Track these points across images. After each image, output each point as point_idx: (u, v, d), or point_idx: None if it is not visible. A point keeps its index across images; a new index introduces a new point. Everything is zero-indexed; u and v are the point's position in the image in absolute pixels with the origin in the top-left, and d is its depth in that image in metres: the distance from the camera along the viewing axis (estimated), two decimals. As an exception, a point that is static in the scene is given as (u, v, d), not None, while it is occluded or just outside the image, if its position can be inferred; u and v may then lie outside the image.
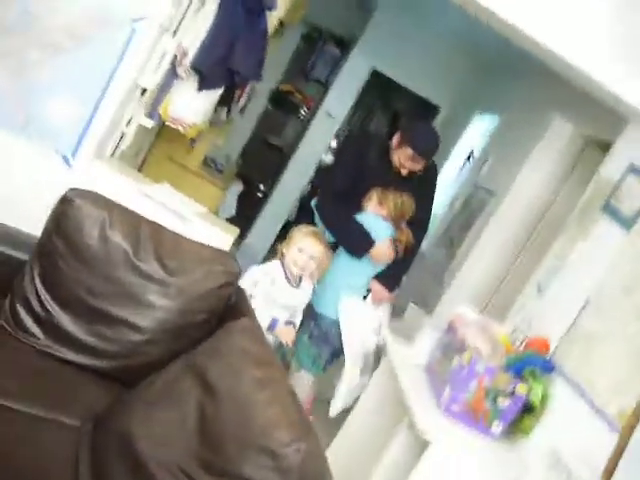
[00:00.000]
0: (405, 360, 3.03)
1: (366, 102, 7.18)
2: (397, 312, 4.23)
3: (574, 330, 2.66)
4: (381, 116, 7.72)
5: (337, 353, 3.49)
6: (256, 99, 6.28)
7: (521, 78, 5.14)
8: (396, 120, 7.60)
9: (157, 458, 1.64)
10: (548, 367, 2.66)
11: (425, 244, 3.91)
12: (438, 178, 3.77)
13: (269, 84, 6.65)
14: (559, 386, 2.60)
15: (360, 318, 3.43)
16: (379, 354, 3.45)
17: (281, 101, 7.10)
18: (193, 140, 4.38)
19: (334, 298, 3.41)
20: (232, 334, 1.99)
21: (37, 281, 2.16)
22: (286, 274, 3.10)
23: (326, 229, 3.44)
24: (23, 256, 2.25)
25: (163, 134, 4.38)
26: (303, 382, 3.53)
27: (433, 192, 3.73)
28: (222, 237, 3.04)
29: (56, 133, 2.90)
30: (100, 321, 2.16)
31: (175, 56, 3.11)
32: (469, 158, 5.50)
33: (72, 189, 2.22)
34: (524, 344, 2.80)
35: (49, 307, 2.15)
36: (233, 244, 3.13)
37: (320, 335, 3.46)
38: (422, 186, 3.56)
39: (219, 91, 3.56)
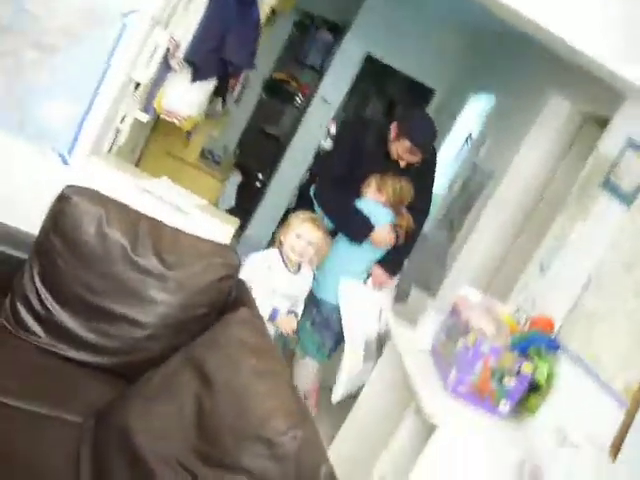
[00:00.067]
0: (410, 344, 3.04)
1: (361, 88, 7.14)
2: (400, 296, 4.23)
3: (577, 308, 2.66)
4: (376, 101, 7.68)
5: (340, 339, 3.50)
6: (251, 89, 6.26)
7: (517, 57, 5.11)
8: (392, 105, 7.57)
9: (156, 452, 1.64)
10: (553, 345, 2.66)
11: (426, 227, 3.90)
12: (437, 162, 3.76)
13: (263, 73, 6.62)
14: (564, 364, 2.61)
15: (360, 301, 3.43)
16: (382, 341, 3.45)
17: (276, 89, 7.07)
18: (189, 133, 4.37)
19: (334, 284, 3.42)
20: (230, 325, 1.99)
21: (36, 279, 2.17)
22: (284, 260, 3.09)
23: (325, 216, 3.44)
24: (23, 255, 2.25)
25: (159, 128, 4.37)
26: (308, 369, 3.54)
27: (432, 176, 3.73)
28: (223, 229, 3.03)
29: (52, 131, 2.90)
30: (100, 318, 2.16)
31: (167, 49, 3.09)
32: (467, 140, 5.48)
33: (69, 186, 2.22)
34: (528, 323, 2.81)
35: (49, 305, 2.16)
36: (234, 235, 3.12)
37: (322, 321, 3.47)
38: (421, 171, 3.56)
39: (213, 82, 3.55)
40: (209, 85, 3.54)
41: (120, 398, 1.92)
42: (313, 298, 3.44)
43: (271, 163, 7.07)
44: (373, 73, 6.95)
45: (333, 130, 7.21)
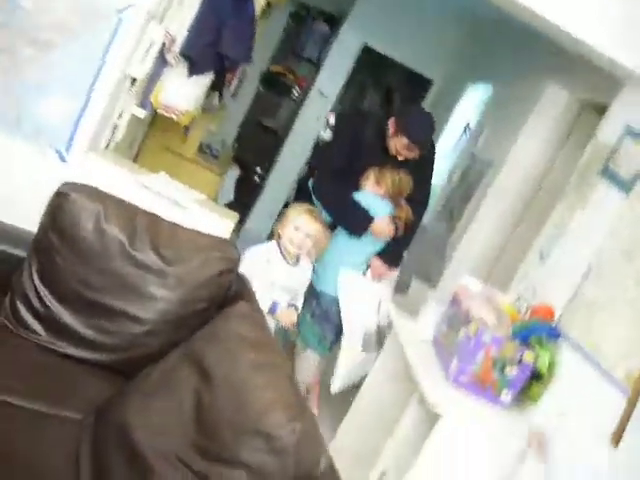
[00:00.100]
0: (411, 335, 3.04)
1: (358, 79, 7.13)
2: (401, 287, 4.24)
3: (578, 296, 2.66)
4: (374, 93, 7.66)
5: (340, 331, 3.50)
6: (247, 82, 6.25)
7: (514, 46, 5.10)
8: (389, 96, 7.55)
9: (154, 447, 1.64)
10: (554, 334, 2.67)
11: (426, 218, 3.90)
12: (435, 154, 3.76)
13: (259, 66, 6.60)
14: (566, 352, 2.61)
15: (359, 292, 3.44)
16: (381, 333, 3.46)
17: (273, 83, 7.05)
18: (187, 128, 4.36)
19: (334, 276, 3.42)
20: (229, 320, 1.99)
21: (35, 277, 2.16)
22: (282, 253, 3.09)
23: (324, 209, 3.44)
24: (22, 253, 2.25)
25: (157, 124, 4.37)
26: (309, 362, 3.54)
27: (431, 168, 3.73)
28: (222, 223, 3.03)
29: (49, 128, 2.89)
30: (100, 314, 2.16)
31: (163, 43, 3.08)
32: (465, 130, 5.47)
33: (66, 183, 2.21)
34: (529, 312, 2.81)
35: (48, 303, 2.15)
36: (233, 230, 3.12)
37: (322, 314, 3.47)
38: (420, 163, 3.56)
39: (210, 76, 3.54)
40: (206, 79, 3.53)
41: (119, 394, 1.92)
42: (313, 291, 3.44)
43: (269, 156, 7.06)
44: (370, 64, 6.93)
45: (332, 121, 7.20)
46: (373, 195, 3.44)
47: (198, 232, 2.39)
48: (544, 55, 4.23)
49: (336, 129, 5.87)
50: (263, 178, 7.12)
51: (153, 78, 3.28)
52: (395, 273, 3.74)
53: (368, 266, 3.54)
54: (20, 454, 1.65)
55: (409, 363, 2.78)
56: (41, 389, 1.93)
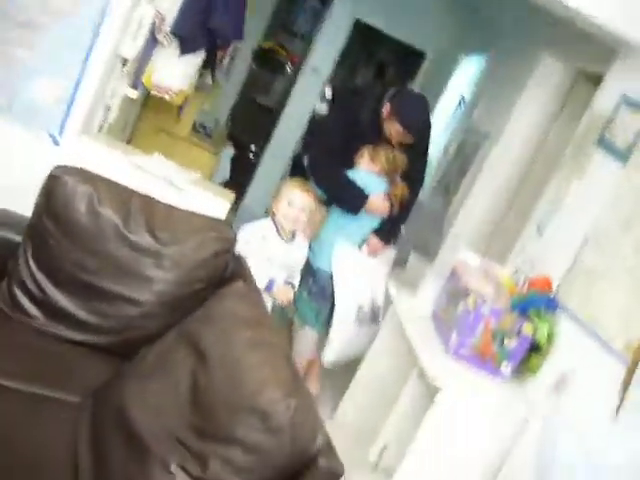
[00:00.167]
0: (410, 310, 3.06)
1: (351, 54, 7.08)
2: (399, 263, 4.24)
3: (576, 267, 2.67)
4: (367, 67, 7.63)
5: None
6: (240, 59, 6.19)
7: (507, 17, 5.05)
8: (382, 71, 7.51)
9: (151, 428, 1.64)
10: (552, 305, 2.68)
11: (422, 193, 3.89)
12: (431, 132, 3.73)
13: (251, 43, 6.55)
14: (564, 323, 2.62)
15: (353, 266, 3.44)
16: (376, 308, 3.47)
17: (265, 59, 7.01)
18: (180, 107, 4.33)
19: (330, 253, 3.43)
20: (225, 299, 1.99)
21: (31, 262, 2.16)
22: (278, 230, 3.09)
23: (319, 188, 3.43)
24: (18, 238, 2.24)
25: (149, 104, 4.33)
26: (307, 339, 3.55)
27: (427, 145, 3.72)
28: (218, 203, 3.02)
29: (41, 112, 2.87)
30: (96, 297, 2.16)
31: (153, 22, 3.05)
32: (460, 102, 5.44)
33: (58, 166, 2.20)
34: (527, 284, 2.81)
35: (45, 287, 2.15)
36: (230, 208, 3.11)
37: (318, 291, 3.48)
38: (415, 141, 3.54)
39: (201, 55, 3.51)
40: (198, 58, 3.50)
41: (116, 376, 1.92)
42: (309, 268, 3.44)
43: (264, 133, 7.02)
44: (363, 39, 6.88)
45: (328, 94, 7.16)
46: (368, 173, 3.44)
47: (193, 213, 2.38)
48: (538, 26, 4.19)
49: (332, 107, 5.84)
50: (258, 155, 7.09)
51: (144, 58, 3.24)
52: (391, 250, 3.74)
53: (364, 242, 3.55)
54: (18, 437, 1.66)
55: (408, 338, 2.79)
56: (39, 373, 1.94)
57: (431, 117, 3.61)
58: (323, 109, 7.13)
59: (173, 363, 1.81)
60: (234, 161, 6.19)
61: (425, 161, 3.73)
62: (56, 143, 2.92)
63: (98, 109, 3.10)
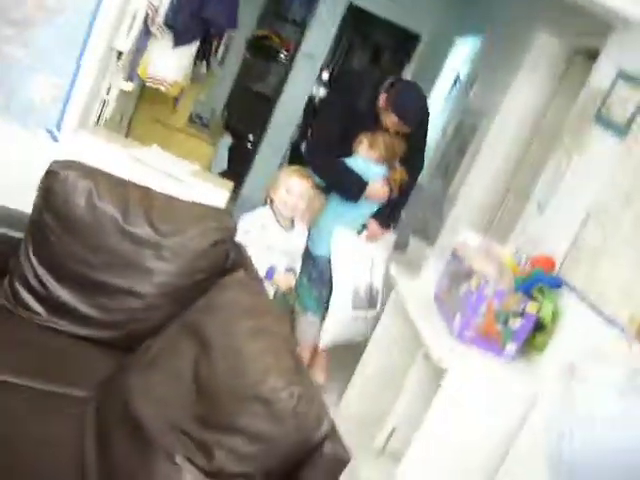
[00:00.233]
0: (413, 293, 3.06)
1: (346, 38, 7.06)
2: (399, 246, 4.24)
3: (578, 243, 2.67)
4: (362, 51, 7.59)
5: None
6: (234, 48, 6.17)
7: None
8: (377, 54, 7.47)
9: (156, 419, 1.64)
10: (556, 283, 2.68)
11: (421, 177, 3.89)
12: (429, 118, 3.71)
13: (245, 31, 6.52)
14: (568, 301, 2.62)
15: (352, 250, 3.45)
16: (374, 293, 3.48)
17: (259, 47, 6.97)
18: (176, 98, 4.32)
19: (329, 239, 3.43)
20: (226, 289, 1.98)
21: (32, 258, 2.16)
22: (277, 218, 3.09)
23: (319, 178, 3.43)
24: (20, 235, 2.24)
25: (146, 97, 4.32)
26: (309, 325, 3.56)
27: (425, 133, 3.70)
28: (217, 193, 3.02)
29: (38, 109, 2.87)
30: (99, 291, 2.16)
31: (147, 15, 3.04)
32: (456, 82, 5.42)
33: (55, 162, 2.19)
34: (529, 263, 2.81)
35: (47, 283, 2.15)
36: (230, 198, 3.11)
37: (318, 277, 3.48)
38: (413, 130, 3.53)
39: (195, 45, 3.50)
40: (192, 49, 3.49)
41: (120, 370, 1.92)
42: (309, 255, 3.45)
43: (261, 122, 7.00)
44: (357, 23, 6.84)
45: (325, 77, 7.13)
46: (366, 160, 3.43)
47: (192, 203, 2.37)
48: (532, 3, 4.17)
49: (330, 92, 5.81)
50: (256, 144, 7.07)
51: (139, 50, 3.24)
52: (390, 234, 3.74)
53: (364, 226, 3.55)
54: (24, 433, 1.66)
55: (412, 321, 2.80)
56: (43, 368, 1.94)
57: (428, 105, 3.59)
58: (321, 93, 7.12)
59: (176, 354, 1.81)
60: (232, 151, 6.18)
61: (423, 149, 3.73)
62: (55, 139, 2.91)
63: (95, 103, 3.10)
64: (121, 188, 2.25)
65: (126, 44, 3.00)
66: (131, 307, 2.18)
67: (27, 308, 2.15)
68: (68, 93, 2.86)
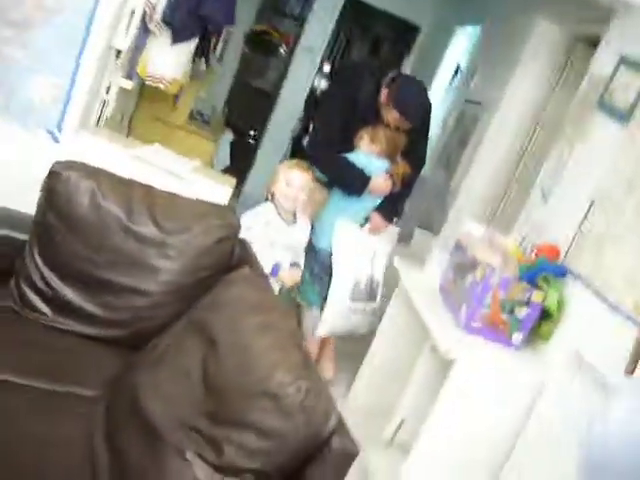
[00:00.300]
0: (418, 285, 3.06)
1: (345, 31, 7.04)
2: (403, 239, 4.24)
3: (582, 231, 2.66)
4: (361, 43, 7.57)
5: None
6: (233, 44, 6.16)
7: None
8: (377, 46, 7.45)
9: (165, 417, 1.65)
10: (561, 272, 2.67)
11: (424, 168, 3.87)
12: (431, 113, 3.70)
13: (243, 27, 6.51)
14: (573, 289, 2.62)
15: (354, 242, 3.44)
16: (375, 286, 3.47)
17: (258, 42, 6.96)
18: (176, 96, 4.32)
19: (332, 233, 3.43)
20: (231, 285, 1.98)
21: (38, 259, 2.17)
22: (279, 212, 3.09)
23: (321, 173, 3.43)
24: (25, 236, 2.24)
25: (146, 95, 4.31)
26: (315, 320, 3.57)
27: (427, 128, 3.69)
28: (220, 189, 3.02)
29: (38, 110, 2.86)
30: (104, 290, 2.16)
31: (145, 12, 3.03)
32: (456, 73, 5.41)
33: (57, 162, 2.20)
34: (534, 252, 2.81)
35: (53, 283, 2.16)
36: (232, 194, 3.11)
37: (320, 271, 3.48)
38: (415, 125, 3.52)
39: (194, 42, 3.49)
40: (190, 46, 3.48)
41: (128, 368, 1.93)
42: (312, 249, 3.45)
43: (261, 117, 7.00)
44: (356, 15, 6.82)
45: (327, 69, 7.11)
46: (368, 154, 3.43)
47: (196, 200, 2.38)
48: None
49: (331, 84, 5.80)
50: (257, 140, 7.07)
51: (137, 48, 3.23)
52: (393, 227, 3.74)
53: (366, 219, 3.55)
54: (34, 434, 1.67)
55: (418, 312, 2.79)
56: (51, 368, 1.95)
57: (429, 101, 3.58)
58: (323, 85, 7.10)
59: (183, 352, 1.81)
60: (233, 146, 6.18)
61: (426, 143, 3.72)
62: (56, 140, 2.91)
63: (95, 103, 3.10)
64: (124, 187, 2.25)
65: (125, 42, 3.00)
66: (136, 305, 2.18)
67: (34, 309, 2.16)
68: (68, 93, 2.85)
